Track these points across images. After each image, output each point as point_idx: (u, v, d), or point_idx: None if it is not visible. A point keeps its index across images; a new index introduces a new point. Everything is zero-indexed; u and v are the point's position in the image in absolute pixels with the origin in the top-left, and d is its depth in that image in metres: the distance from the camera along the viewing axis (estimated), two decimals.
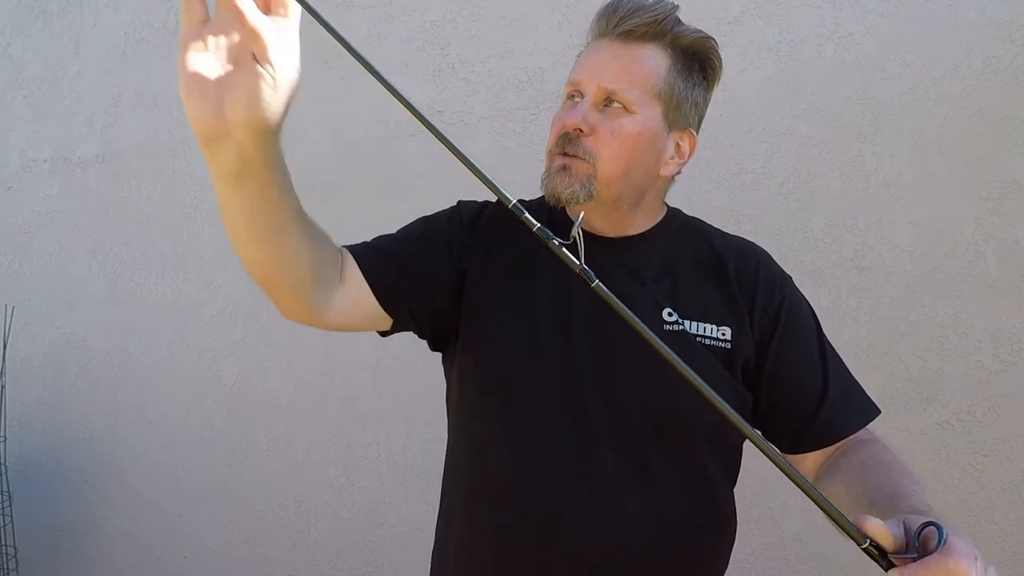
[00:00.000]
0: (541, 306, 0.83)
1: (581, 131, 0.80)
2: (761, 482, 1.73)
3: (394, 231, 0.95)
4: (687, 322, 0.81)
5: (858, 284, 1.64)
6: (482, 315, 0.85)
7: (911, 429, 1.60)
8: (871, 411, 0.85)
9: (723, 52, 1.71)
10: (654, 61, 0.82)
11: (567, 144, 0.81)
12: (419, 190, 2.02)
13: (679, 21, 0.84)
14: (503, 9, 1.92)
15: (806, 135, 1.67)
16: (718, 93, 1.72)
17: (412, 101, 1.99)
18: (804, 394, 0.83)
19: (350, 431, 2.10)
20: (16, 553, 2.39)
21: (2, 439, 2.35)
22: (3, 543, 2.36)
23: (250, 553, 2.25)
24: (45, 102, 2.55)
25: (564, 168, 0.81)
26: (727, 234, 0.92)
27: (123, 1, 2.42)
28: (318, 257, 0.75)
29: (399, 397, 2.02)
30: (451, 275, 0.86)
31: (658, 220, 0.90)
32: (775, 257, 1.02)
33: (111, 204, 2.43)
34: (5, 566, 2.35)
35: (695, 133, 0.89)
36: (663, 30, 0.82)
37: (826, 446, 0.83)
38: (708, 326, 0.82)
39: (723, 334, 0.81)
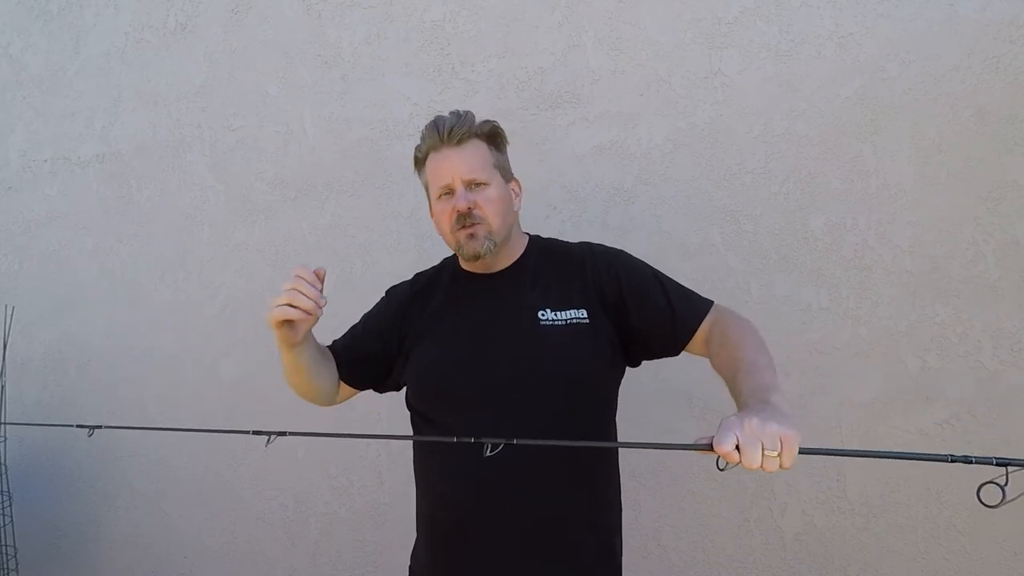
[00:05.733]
0: (450, 329, 1.23)
1: (470, 208, 1.16)
2: (761, 482, 1.73)
3: (353, 323, 1.36)
4: (557, 313, 1.16)
5: (858, 284, 1.64)
6: (416, 347, 1.25)
7: (911, 429, 1.60)
8: (706, 302, 1.19)
9: (723, 52, 1.73)
10: (482, 149, 1.20)
11: (465, 219, 1.16)
12: (419, 190, 2.01)
13: (475, 121, 1.21)
14: (503, 9, 1.92)
15: (806, 135, 1.67)
16: (718, 94, 1.74)
17: (412, 101, 2.07)
18: (660, 312, 1.17)
19: (350, 431, 2.10)
20: (16, 553, 2.39)
21: (2, 439, 2.35)
22: (3, 543, 2.36)
23: (250, 553, 2.25)
24: (45, 102, 2.56)
25: (471, 236, 1.17)
26: (569, 242, 1.30)
27: (123, 1, 2.42)
28: (333, 375, 1.30)
29: (399, 397, 2.02)
30: (391, 343, 1.28)
31: (524, 249, 1.26)
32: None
33: (111, 204, 2.43)
34: (5, 566, 2.35)
35: (517, 179, 1.29)
36: (473, 130, 1.19)
37: (691, 336, 1.16)
38: (571, 311, 1.16)
39: (582, 314, 1.16)
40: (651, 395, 1.77)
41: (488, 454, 0.87)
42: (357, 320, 1.36)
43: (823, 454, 0.80)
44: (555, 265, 1.24)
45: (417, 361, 1.22)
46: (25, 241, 2.58)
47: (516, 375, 1.13)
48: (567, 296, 1.18)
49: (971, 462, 0.70)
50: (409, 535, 1.29)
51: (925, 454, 0.75)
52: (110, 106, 2.43)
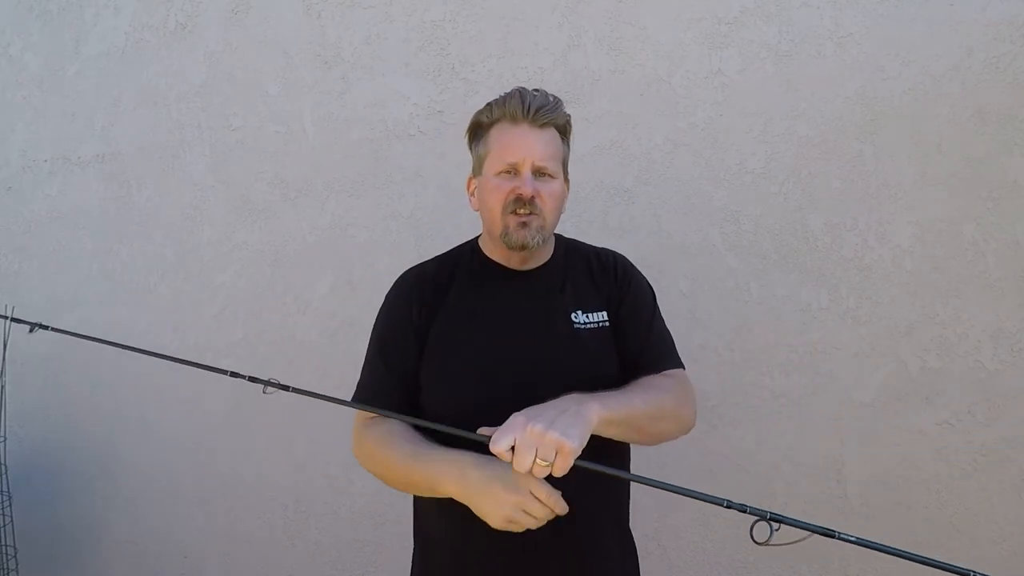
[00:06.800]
0: (482, 328, 1.14)
1: (533, 197, 1.08)
2: (761, 482, 1.73)
3: (368, 354, 1.24)
4: (587, 315, 1.15)
5: (858, 284, 1.64)
6: (441, 346, 1.14)
7: (911, 429, 1.60)
8: (678, 361, 1.18)
9: (723, 52, 1.72)
10: (557, 139, 1.13)
11: (523, 206, 1.08)
12: (419, 190, 2.02)
13: (562, 109, 1.13)
14: (503, 9, 1.92)
15: (806, 135, 1.67)
16: (718, 94, 1.73)
17: (412, 101, 2.05)
18: (639, 327, 1.17)
19: (350, 431, 2.10)
20: (16, 553, 2.39)
21: (2, 439, 2.35)
22: (3, 543, 2.36)
23: (250, 553, 2.25)
24: (45, 102, 2.56)
25: (524, 224, 1.09)
26: (594, 245, 1.28)
27: (123, 1, 2.42)
28: None
29: None
30: (418, 343, 1.15)
31: (553, 248, 1.21)
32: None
33: (111, 204, 2.43)
34: (5, 566, 2.35)
35: (568, 180, 1.21)
36: (556, 119, 1.12)
37: (650, 373, 1.13)
38: (598, 313, 1.15)
39: (603, 317, 1.15)
40: None
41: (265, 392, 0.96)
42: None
43: (600, 472, 0.87)
44: (582, 266, 1.22)
45: (446, 361, 1.14)
46: (25, 241, 2.58)
47: (556, 378, 1.07)
48: (594, 299, 1.18)
49: (745, 511, 0.78)
50: (409, 535, 1.28)
51: (703, 495, 0.83)
52: (110, 106, 2.43)
